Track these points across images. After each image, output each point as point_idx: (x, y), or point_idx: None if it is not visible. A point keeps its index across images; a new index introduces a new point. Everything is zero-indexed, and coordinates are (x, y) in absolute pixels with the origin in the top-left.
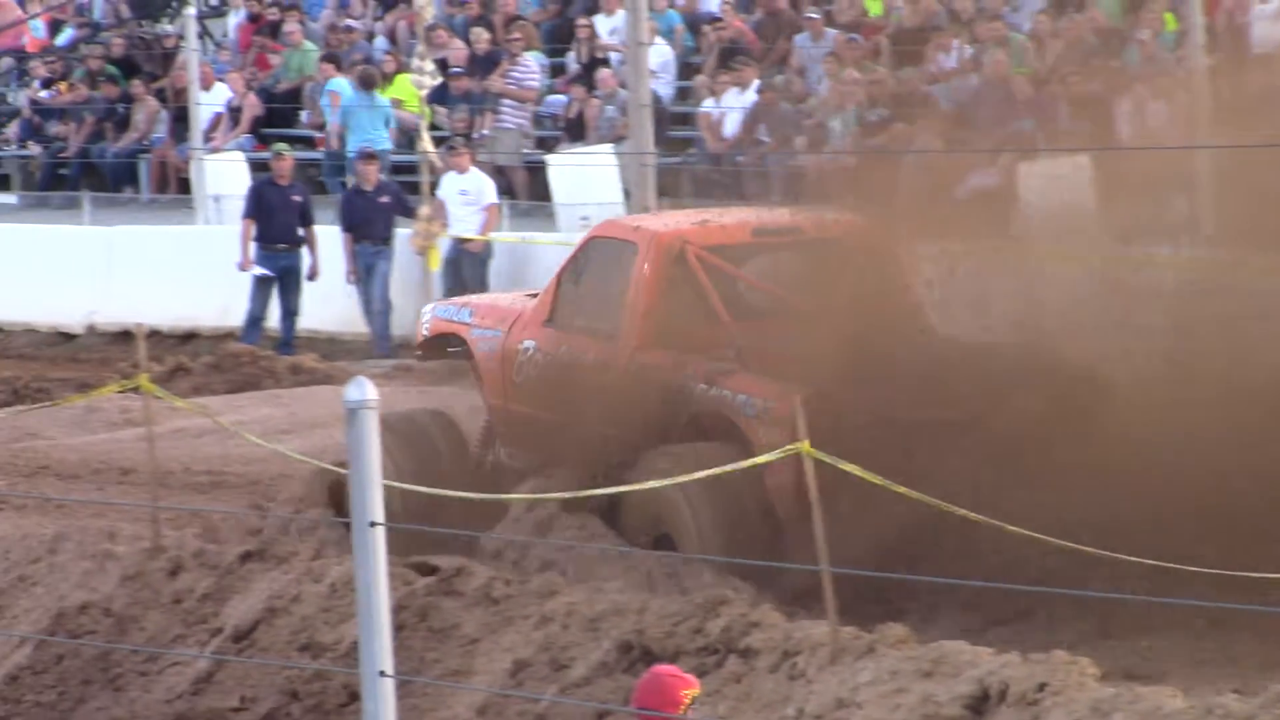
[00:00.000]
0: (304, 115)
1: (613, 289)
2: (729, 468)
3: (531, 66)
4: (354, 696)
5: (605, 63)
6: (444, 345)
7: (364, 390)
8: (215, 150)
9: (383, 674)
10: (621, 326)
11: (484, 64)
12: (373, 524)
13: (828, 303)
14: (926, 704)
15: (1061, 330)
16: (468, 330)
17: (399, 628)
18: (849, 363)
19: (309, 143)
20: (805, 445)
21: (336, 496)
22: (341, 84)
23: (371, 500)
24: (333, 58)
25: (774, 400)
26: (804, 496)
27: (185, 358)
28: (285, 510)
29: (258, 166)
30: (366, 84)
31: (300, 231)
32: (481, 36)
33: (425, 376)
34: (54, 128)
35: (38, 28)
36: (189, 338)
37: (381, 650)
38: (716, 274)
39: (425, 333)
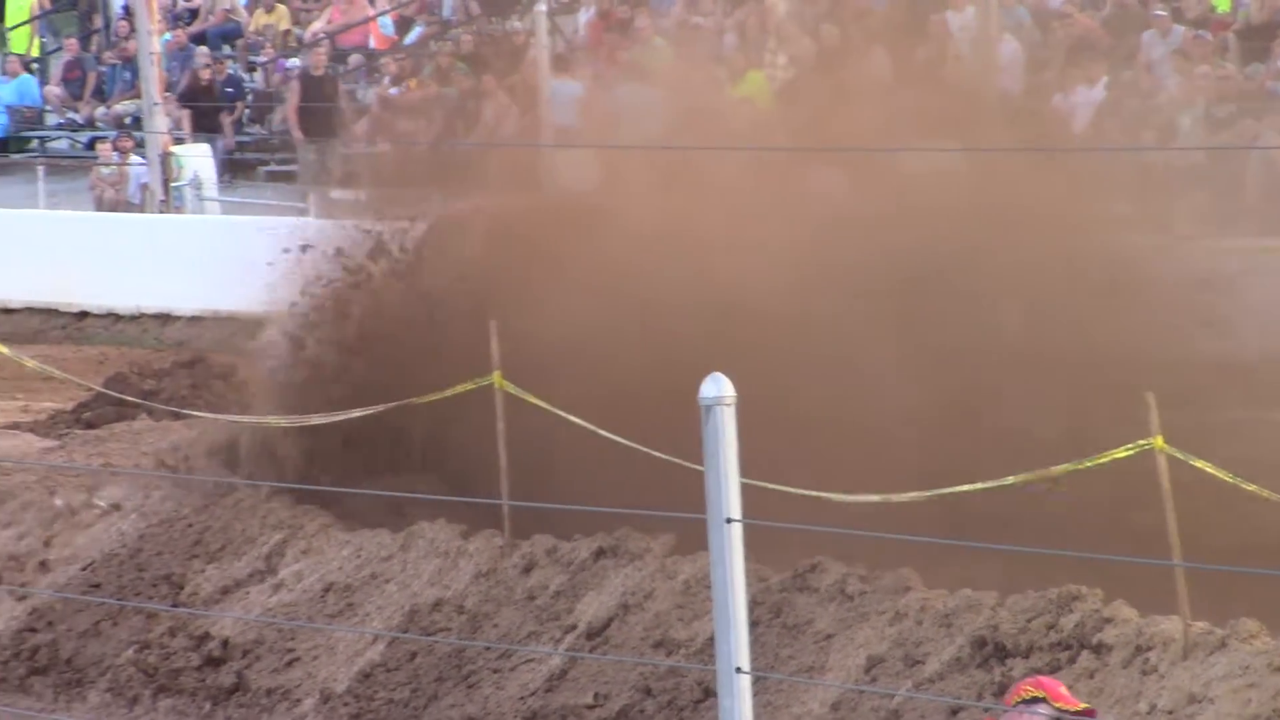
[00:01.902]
0: None
1: None
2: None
3: (878, 62)
4: (708, 693)
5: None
6: None
7: (720, 387)
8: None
9: (739, 670)
10: None
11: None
12: (729, 520)
13: None
14: (1278, 699)
15: None
16: None
17: (753, 624)
18: None
19: None
20: (1159, 440)
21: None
22: None
23: (729, 497)
24: None
25: None
26: None
27: None
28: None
29: None
30: None
31: None
32: (831, 33)
33: None
34: (403, 124)
35: (386, 25)
36: None
37: (738, 646)
38: None
39: None
